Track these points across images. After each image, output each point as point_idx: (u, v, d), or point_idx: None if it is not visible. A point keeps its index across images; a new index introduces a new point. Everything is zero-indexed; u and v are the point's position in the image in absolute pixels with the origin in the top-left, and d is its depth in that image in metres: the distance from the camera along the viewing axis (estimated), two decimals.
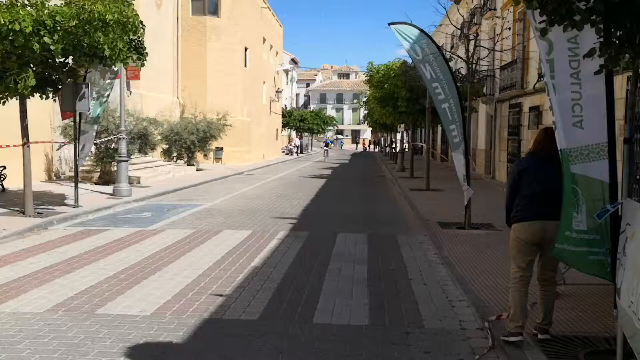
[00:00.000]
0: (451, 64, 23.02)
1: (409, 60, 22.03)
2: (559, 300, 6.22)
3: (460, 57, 12.90)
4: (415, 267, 8.38)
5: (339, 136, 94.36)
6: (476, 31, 22.25)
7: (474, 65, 11.69)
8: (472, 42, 11.87)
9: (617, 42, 4.29)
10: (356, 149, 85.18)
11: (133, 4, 12.28)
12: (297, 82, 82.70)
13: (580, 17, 4.24)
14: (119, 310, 6.07)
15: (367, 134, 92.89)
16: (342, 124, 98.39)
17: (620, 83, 11.19)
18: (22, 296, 6.52)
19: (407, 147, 33.32)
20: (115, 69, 12.99)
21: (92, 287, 6.96)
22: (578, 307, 6.03)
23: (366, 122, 52.44)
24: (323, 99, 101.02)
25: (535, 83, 17.96)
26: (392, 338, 5.37)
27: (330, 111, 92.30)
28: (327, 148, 50.84)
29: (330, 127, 70.15)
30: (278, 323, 5.77)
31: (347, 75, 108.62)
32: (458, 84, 11.70)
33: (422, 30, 11.42)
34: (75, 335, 5.27)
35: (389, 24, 11.69)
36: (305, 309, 6.22)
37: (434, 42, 11.44)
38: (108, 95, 13.96)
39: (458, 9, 17.56)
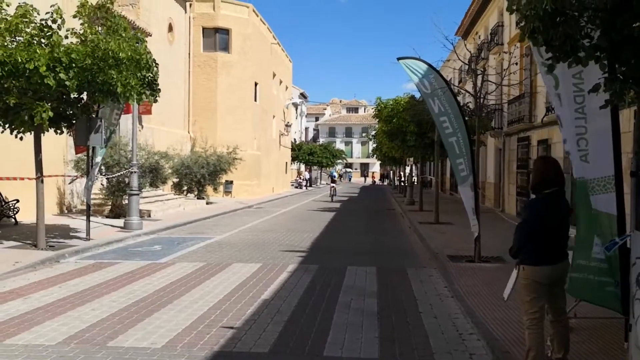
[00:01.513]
0: (459, 98, 23.26)
1: (417, 95, 22.33)
2: (571, 334, 6.21)
3: (468, 92, 13.05)
4: (425, 300, 8.36)
5: (348, 169, 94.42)
6: (483, 66, 22.54)
7: (481, 100, 11.80)
8: (479, 77, 12.00)
9: (621, 77, 4.39)
10: (364, 182, 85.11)
11: (146, 42, 12.60)
12: (306, 116, 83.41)
13: (584, 53, 4.35)
14: (130, 342, 6.10)
15: (376, 167, 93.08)
16: (351, 157, 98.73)
17: (628, 117, 11.28)
18: (34, 328, 6.57)
19: (416, 181, 33.35)
20: (122, 104, 13.26)
21: (103, 319, 7.01)
22: (589, 340, 6.00)
23: (375, 155, 52.60)
24: (332, 132, 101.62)
25: (544, 116, 18.07)
26: None
27: (339, 145, 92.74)
28: (333, 184, 37.30)
29: (339, 160, 70.22)
30: (288, 356, 5.77)
31: (356, 109, 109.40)
32: (466, 118, 11.83)
33: (430, 65, 11.61)
34: None
35: (398, 59, 11.89)
36: (316, 342, 6.23)
37: (441, 76, 11.61)
38: (115, 130, 14.23)
39: (465, 45, 17.83)
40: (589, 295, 4.82)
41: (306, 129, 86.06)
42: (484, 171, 28.90)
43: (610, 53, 4.39)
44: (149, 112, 16.59)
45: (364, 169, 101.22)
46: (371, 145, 62.99)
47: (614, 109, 4.61)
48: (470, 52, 14.02)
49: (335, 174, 44.49)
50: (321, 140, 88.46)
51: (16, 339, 6.18)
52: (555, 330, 5.13)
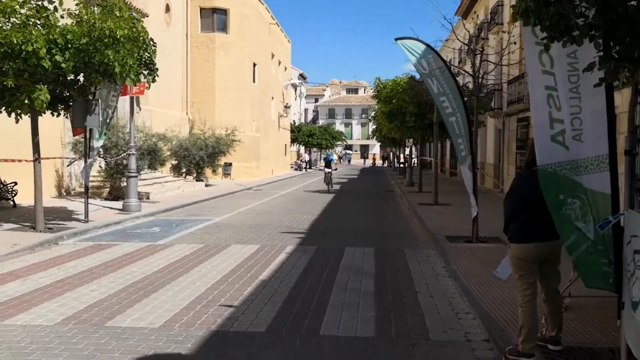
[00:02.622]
0: (459, 78, 23.14)
1: (417, 75, 22.20)
2: (566, 312, 6.25)
3: (467, 72, 12.99)
4: (422, 280, 8.41)
5: (348, 151, 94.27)
6: (482, 46, 22.39)
7: (480, 80, 11.75)
8: (477, 57, 11.94)
9: (616, 56, 4.36)
10: (364, 164, 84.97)
11: (142, 21, 12.51)
12: (305, 97, 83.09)
13: (579, 32, 4.32)
14: (128, 322, 6.15)
15: (376, 148, 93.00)
16: (351, 139, 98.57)
17: (628, 97, 11.24)
18: (33, 309, 6.61)
19: (415, 162, 33.34)
20: (119, 85, 13.20)
21: (101, 300, 7.05)
22: (583, 319, 6.05)
23: (375, 137, 52.47)
24: (332, 114, 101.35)
25: None
26: (398, 350, 5.41)
27: (339, 126, 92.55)
28: (328, 170, 27.49)
29: (339, 142, 70.02)
30: (285, 335, 5.81)
31: (355, 91, 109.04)
32: (465, 99, 11.79)
33: (428, 45, 11.54)
34: (85, 347, 5.35)
35: (396, 39, 11.81)
36: (312, 322, 6.27)
37: (440, 56, 11.55)
38: (113, 112, 14.19)
39: (464, 24, 17.67)
40: (587, 271, 4.83)
41: (305, 110, 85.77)
42: (484, 152, 28.89)
43: (605, 31, 4.36)
44: (142, 92, 16.48)
45: (364, 150, 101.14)
46: (371, 126, 62.86)
47: (609, 87, 4.59)
48: (468, 31, 13.90)
49: (333, 156, 31.74)
50: (321, 122, 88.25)
51: (15, 319, 6.22)
52: (549, 309, 5.17)
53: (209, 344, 5.53)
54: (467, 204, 11.70)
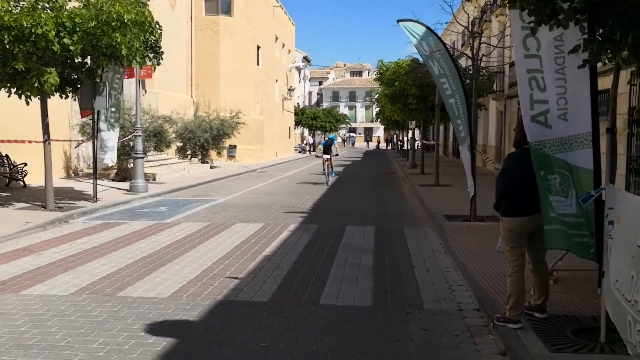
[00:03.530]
0: (462, 61, 23.26)
1: (419, 58, 22.36)
2: (555, 285, 6.56)
3: (466, 54, 13.21)
4: (419, 256, 8.73)
5: (352, 134, 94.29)
6: (481, 29, 22.52)
7: (479, 62, 11.98)
8: (477, 40, 12.15)
9: (599, 38, 4.62)
10: (367, 146, 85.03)
11: (148, 5, 12.75)
12: (309, 80, 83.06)
13: (564, 15, 4.58)
14: (138, 293, 6.50)
15: (380, 131, 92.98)
16: (355, 121, 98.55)
17: (625, 78, 11.45)
18: (48, 281, 6.97)
19: (418, 144, 33.54)
20: (124, 67, 13.43)
21: (113, 273, 7.40)
22: (570, 290, 6.36)
23: (379, 119, 52.58)
24: (336, 97, 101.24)
25: None
26: (393, 317, 5.74)
27: (343, 109, 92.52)
28: (327, 156, 21.92)
29: (342, 125, 70.09)
30: (287, 305, 6.16)
31: (359, 73, 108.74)
32: (467, 82, 12.03)
33: (428, 28, 11.76)
34: (99, 314, 5.70)
35: (398, 21, 12.07)
36: (313, 293, 6.61)
37: (440, 39, 11.77)
38: (120, 94, 14.45)
39: (464, 7, 17.79)
40: (566, 244, 5.15)
41: (309, 93, 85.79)
42: (486, 134, 29.11)
43: (590, 15, 4.61)
44: (149, 75, 16.82)
45: (368, 133, 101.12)
46: (374, 109, 62.91)
47: (593, 68, 4.85)
48: (468, 14, 14.09)
49: (337, 139, 25.34)
50: (325, 105, 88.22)
51: (31, 290, 6.58)
52: (536, 279, 5.48)
53: (215, 312, 5.87)
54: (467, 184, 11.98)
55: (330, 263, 8.16)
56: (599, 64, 4.88)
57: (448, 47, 11.91)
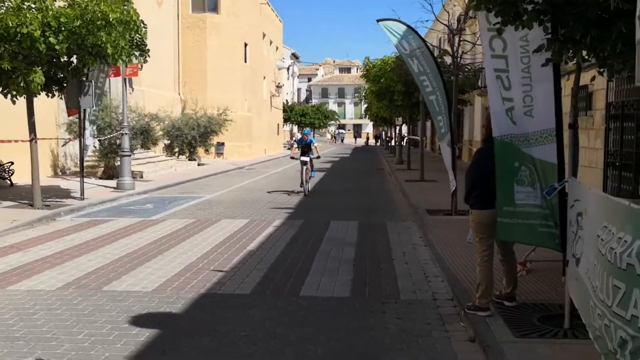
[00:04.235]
0: (447, 58, 23.45)
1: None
2: (527, 275, 6.81)
3: (447, 51, 13.45)
4: (399, 249, 8.96)
5: (341, 130, 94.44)
6: (464, 26, 22.74)
7: (459, 59, 12.21)
8: (457, 37, 12.38)
9: (561, 38, 4.85)
10: (355, 142, 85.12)
11: (133, 3, 12.87)
12: (298, 76, 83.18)
13: (527, 17, 4.80)
14: (123, 287, 6.67)
15: (369, 127, 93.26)
16: (344, 118, 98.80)
17: (603, 78, 11.71)
18: (35, 276, 7.13)
19: (405, 141, 33.82)
20: (109, 66, 13.58)
21: (98, 269, 7.57)
22: (540, 280, 6.61)
23: (367, 116, 52.85)
24: (325, 93, 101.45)
25: None
26: (370, 307, 5.96)
27: (332, 106, 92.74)
28: (305, 159, 16.49)
29: (331, 122, 70.32)
30: (268, 297, 6.36)
31: (348, 70, 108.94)
32: (452, 78, 12.24)
33: (408, 26, 11.96)
34: (85, 308, 5.88)
35: (377, 21, 12.24)
36: (294, 285, 6.82)
37: (420, 36, 11.97)
38: (105, 93, 14.62)
39: (443, 5, 18.00)
40: (519, 236, 5.41)
41: (298, 89, 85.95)
42: (472, 129, 29.41)
43: (552, 16, 4.84)
44: (135, 74, 16.96)
45: (357, 129, 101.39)
46: (363, 105, 63.17)
47: (556, 67, 5.08)
48: (448, 12, 14.32)
49: (312, 138, 17.54)
50: (314, 102, 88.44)
51: (18, 285, 6.74)
52: (504, 268, 5.72)
53: (198, 304, 6.06)
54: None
55: (313, 257, 8.37)
56: (570, 64, 5.12)
57: (429, 44, 12.12)
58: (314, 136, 19.17)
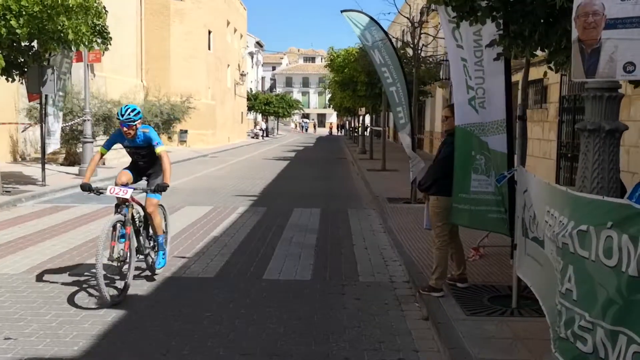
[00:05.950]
0: (409, 50, 23.81)
1: None
2: (481, 259, 7.17)
3: (407, 43, 13.76)
4: (360, 235, 9.25)
5: (305, 120, 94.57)
6: (427, 19, 23.22)
7: (420, 51, 12.52)
8: (417, 30, 12.70)
9: (512, 34, 5.15)
10: (315, 132, 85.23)
11: None
12: (262, 65, 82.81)
13: (481, 13, 5.09)
14: (90, 271, 6.76)
15: (333, 117, 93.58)
16: (309, 107, 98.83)
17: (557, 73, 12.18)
18: None
19: (367, 131, 34.18)
20: (73, 51, 13.48)
21: (63, 253, 7.64)
22: (491, 264, 6.98)
23: (331, 105, 53.04)
24: (289, 82, 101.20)
25: None
26: (330, 289, 6.22)
27: (297, 95, 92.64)
28: (128, 190, 6.75)
29: (295, 110, 70.37)
30: (231, 280, 6.56)
31: (313, 59, 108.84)
32: (413, 70, 12.55)
33: (371, 18, 12.22)
34: (51, 290, 5.98)
35: (342, 11, 12.48)
36: (257, 269, 7.02)
37: (382, 28, 12.23)
38: (68, 78, 14.47)
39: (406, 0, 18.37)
40: (472, 222, 5.74)
41: (262, 78, 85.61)
42: (433, 121, 29.92)
43: (504, 13, 5.13)
44: (98, 60, 16.82)
45: (321, 119, 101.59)
46: (327, 95, 63.30)
47: (507, 61, 5.39)
48: (410, 5, 14.61)
49: (154, 133, 6.73)
50: (278, 90, 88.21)
51: None
52: (453, 250, 6.04)
53: (164, 287, 6.23)
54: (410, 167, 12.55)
55: (276, 242, 8.58)
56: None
57: (391, 37, 12.40)
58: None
